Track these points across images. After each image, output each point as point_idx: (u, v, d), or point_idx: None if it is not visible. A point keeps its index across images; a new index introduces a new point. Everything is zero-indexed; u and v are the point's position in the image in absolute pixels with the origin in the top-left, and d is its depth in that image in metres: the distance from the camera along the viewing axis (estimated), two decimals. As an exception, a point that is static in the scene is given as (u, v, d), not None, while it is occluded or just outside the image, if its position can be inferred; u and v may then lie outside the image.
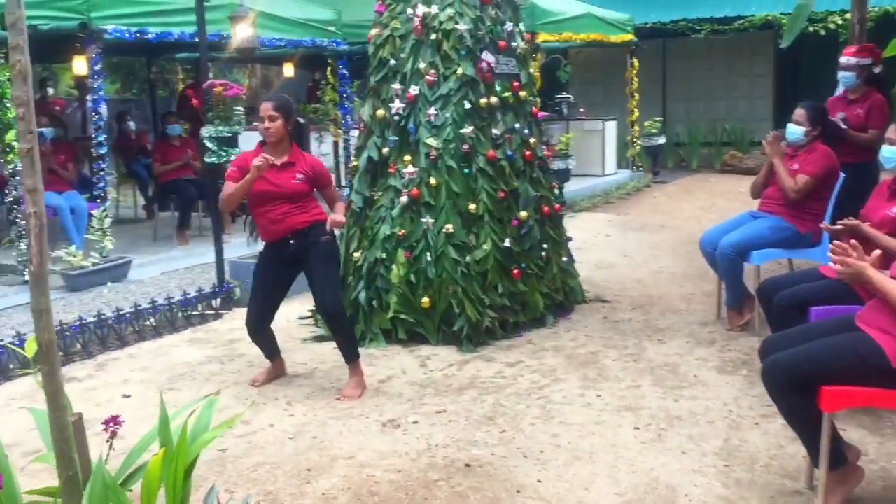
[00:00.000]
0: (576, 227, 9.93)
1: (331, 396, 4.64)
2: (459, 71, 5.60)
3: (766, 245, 5.31)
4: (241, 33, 6.83)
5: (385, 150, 5.70)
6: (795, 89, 15.51)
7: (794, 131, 5.40)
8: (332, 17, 10.06)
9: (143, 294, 6.93)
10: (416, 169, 5.55)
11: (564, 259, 6.15)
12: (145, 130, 12.21)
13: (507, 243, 5.59)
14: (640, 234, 9.39)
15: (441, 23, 5.63)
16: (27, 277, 7.04)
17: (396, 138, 5.66)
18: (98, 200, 7.66)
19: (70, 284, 6.95)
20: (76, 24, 7.34)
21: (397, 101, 5.65)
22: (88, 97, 11.17)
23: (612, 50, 14.25)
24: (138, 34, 7.63)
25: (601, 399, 4.48)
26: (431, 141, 5.54)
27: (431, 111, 5.57)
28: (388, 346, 5.48)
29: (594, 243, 8.92)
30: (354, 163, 5.85)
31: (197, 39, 7.72)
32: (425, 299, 5.43)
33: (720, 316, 5.82)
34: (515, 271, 5.64)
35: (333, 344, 5.46)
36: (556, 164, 10.78)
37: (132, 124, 11.43)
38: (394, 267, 5.51)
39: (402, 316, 5.49)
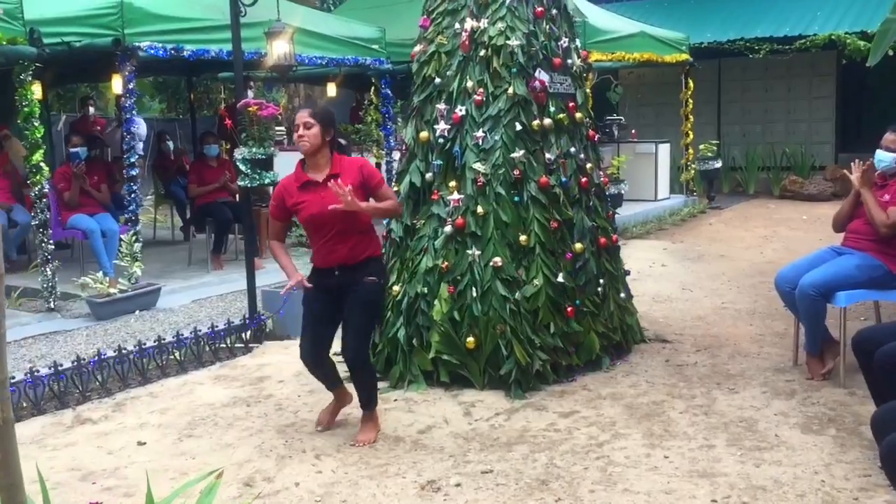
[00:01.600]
0: (629, 255, 9.38)
1: (364, 448, 4.17)
2: (510, 90, 5.14)
3: (853, 285, 4.74)
4: (278, 50, 6.45)
5: (428, 176, 5.25)
6: (859, 111, 14.81)
7: (885, 158, 4.84)
8: (376, 35, 9.69)
9: (172, 324, 6.55)
10: (462, 196, 5.09)
11: (622, 295, 5.63)
12: (184, 151, 11.95)
13: (560, 278, 5.09)
14: (697, 265, 8.81)
15: (491, 38, 5.18)
16: (52, 305, 6.73)
17: (441, 162, 5.21)
18: (128, 224, 7.32)
19: (96, 313, 6.60)
20: (110, 42, 7.04)
21: (442, 122, 5.21)
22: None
23: (666, 70, 13.70)
24: (174, 51, 7.31)
25: (670, 461, 3.94)
26: (479, 166, 5.07)
27: (479, 133, 5.11)
28: (428, 389, 5.01)
29: (649, 274, 8.37)
30: (395, 188, 5.40)
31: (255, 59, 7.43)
32: (470, 339, 4.95)
33: (797, 362, 5.24)
34: (569, 309, 5.13)
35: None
36: (609, 189, 10.24)
37: (171, 144, 11.18)
38: (436, 303, 5.05)
39: (445, 357, 5.01)
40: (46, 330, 6.33)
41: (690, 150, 13.47)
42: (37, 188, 6.58)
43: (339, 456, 4.10)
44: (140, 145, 11.61)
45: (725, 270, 8.43)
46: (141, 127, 11.56)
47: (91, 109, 12.76)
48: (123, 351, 5.25)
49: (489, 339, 4.94)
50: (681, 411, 4.60)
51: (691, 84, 13.34)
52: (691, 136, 13.43)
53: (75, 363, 4.99)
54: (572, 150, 5.34)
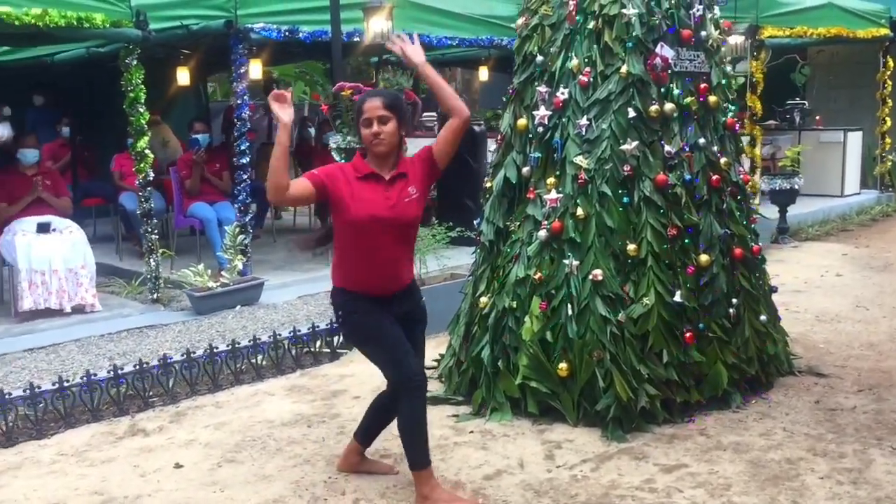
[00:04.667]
0: (797, 261, 8.20)
1: (413, 495, 3.51)
2: (623, 69, 4.29)
3: None
4: (375, 27, 5.88)
5: (525, 170, 4.50)
6: None
7: None
8: (514, 14, 8.91)
9: (268, 322, 6.17)
10: (561, 195, 4.30)
11: (762, 318, 4.62)
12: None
13: (678, 297, 4.20)
14: (881, 276, 7.46)
15: (602, 6, 4.35)
16: (155, 297, 6.55)
17: (539, 155, 4.44)
18: (239, 214, 7.04)
19: (196, 307, 6.35)
20: (222, 24, 6.75)
21: (542, 107, 4.43)
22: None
23: (861, 47, 11.99)
24: (288, 33, 6.92)
25: (788, 553, 3.02)
26: (580, 160, 4.26)
27: (583, 121, 4.29)
28: (513, 420, 4.28)
29: (819, 285, 7.16)
30: (488, 183, 4.69)
31: (357, 39, 6.96)
32: (563, 365, 4.17)
33: None
34: (688, 334, 4.23)
35: (444, 411, 4.38)
36: (778, 184, 8.99)
37: (312, 131, 10.96)
38: (526, 319, 4.30)
39: (534, 384, 4.25)
40: (143, 323, 6.12)
41: (888, 139, 11.78)
42: (141, 176, 6.38)
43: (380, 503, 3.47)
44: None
45: (915, 285, 7.07)
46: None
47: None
48: (193, 355, 4.88)
49: (584, 366, 4.14)
50: (821, 476, 3.62)
51: (891, 63, 11.61)
52: (889, 123, 11.73)
53: (137, 367, 4.66)
54: (701, 141, 4.40)
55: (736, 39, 8.58)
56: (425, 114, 13.15)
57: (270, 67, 14.70)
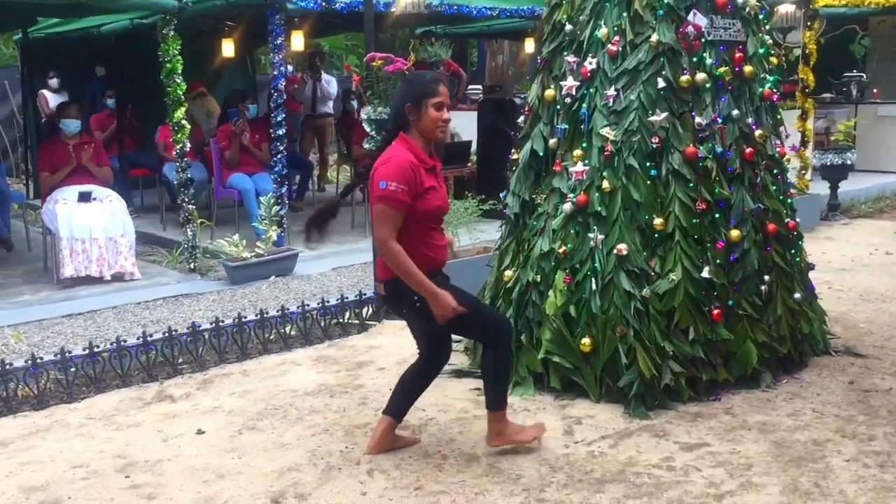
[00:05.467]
0: (846, 238, 7.96)
1: (428, 467, 3.52)
2: (654, 37, 4.17)
3: None
4: (406, -2, 5.82)
5: (552, 142, 4.41)
6: None
7: None
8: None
9: (301, 293, 6.21)
10: (587, 168, 4.22)
11: (797, 295, 4.48)
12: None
13: (705, 273, 4.10)
14: (934, 255, 7.20)
15: (633, -28, 4.22)
16: (192, 266, 6.64)
17: (566, 126, 4.35)
18: (276, 185, 7.08)
19: (231, 277, 6.42)
20: (258, -6, 6.76)
21: (570, 77, 4.34)
22: (322, 76, 10.91)
23: (924, 17, 11.52)
24: (325, 4, 6.90)
25: (804, 536, 2.94)
26: (607, 131, 4.17)
27: (611, 91, 4.19)
28: (536, 395, 4.24)
29: (867, 263, 6.94)
30: (515, 156, 4.62)
31: (393, 10, 6.90)
32: (585, 340, 4.11)
33: None
34: (716, 311, 4.13)
35: (468, 384, 4.36)
36: (829, 159, 8.72)
37: (355, 103, 10.93)
38: (550, 294, 4.24)
39: (556, 359, 4.20)
40: (178, 292, 6.21)
41: (950, 113, 11.29)
42: (178, 146, 6.44)
43: (394, 475, 3.47)
44: (330, 104, 11.63)
45: (969, 264, 6.81)
46: (332, 85, 11.52)
47: (289, 68, 12.84)
48: (222, 324, 4.93)
49: (607, 342, 4.08)
50: (847, 458, 3.51)
51: (956, 33, 11.12)
52: (952, 96, 11.25)
53: (166, 335, 4.73)
54: (735, 112, 4.26)
55: (787, 8, 8.30)
56: (470, 86, 13.07)
57: (319, 39, 14.77)
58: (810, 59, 9.18)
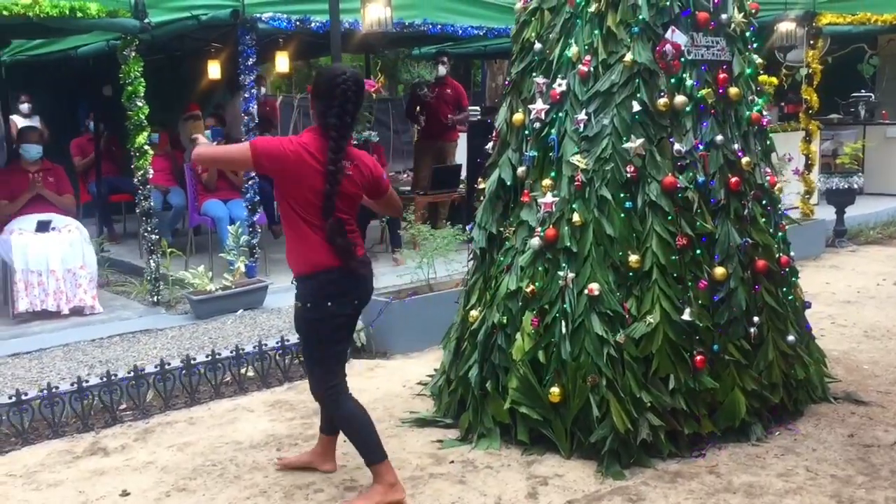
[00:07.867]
0: (853, 266, 7.54)
1: (369, 538, 3.12)
2: (628, 57, 3.80)
3: None
4: (373, 15, 5.47)
5: (521, 170, 4.05)
6: None
7: None
8: (547, 1, 8.42)
9: (268, 328, 5.83)
10: (556, 199, 3.84)
11: (790, 338, 4.07)
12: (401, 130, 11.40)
13: (686, 315, 3.70)
14: (946, 286, 6.77)
15: (606, -14, 3.87)
16: (156, 299, 6.29)
17: (535, 154, 3.98)
18: (248, 212, 6.74)
19: (195, 311, 6.06)
20: (228, 14, 6.44)
21: (539, 100, 3.98)
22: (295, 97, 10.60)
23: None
24: (299, 23, 6.58)
25: None
26: (577, 159, 3.79)
27: (581, 115, 3.82)
28: (502, 448, 3.84)
29: (873, 295, 6.52)
30: (482, 184, 4.25)
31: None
32: (555, 389, 3.72)
33: None
34: (699, 357, 3.73)
35: (429, 435, 4.01)
36: (835, 183, 8.31)
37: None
38: (518, 336, 3.85)
39: (524, 409, 3.81)
40: (138, 328, 5.84)
41: (963, 134, 10.87)
42: (140, 173, 6.11)
43: (328, 546, 3.09)
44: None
45: (983, 296, 6.38)
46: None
47: (262, 90, 12.53)
48: (167, 367, 4.57)
49: (578, 391, 3.68)
50: (843, 530, 3.10)
51: (967, 52, 10.73)
52: (964, 116, 10.83)
53: (104, 378, 4.37)
54: (719, 138, 3.88)
55: (787, 26, 7.93)
56: (470, 107, 12.73)
57: (314, 60, 14.49)
58: (814, 78, 8.80)
